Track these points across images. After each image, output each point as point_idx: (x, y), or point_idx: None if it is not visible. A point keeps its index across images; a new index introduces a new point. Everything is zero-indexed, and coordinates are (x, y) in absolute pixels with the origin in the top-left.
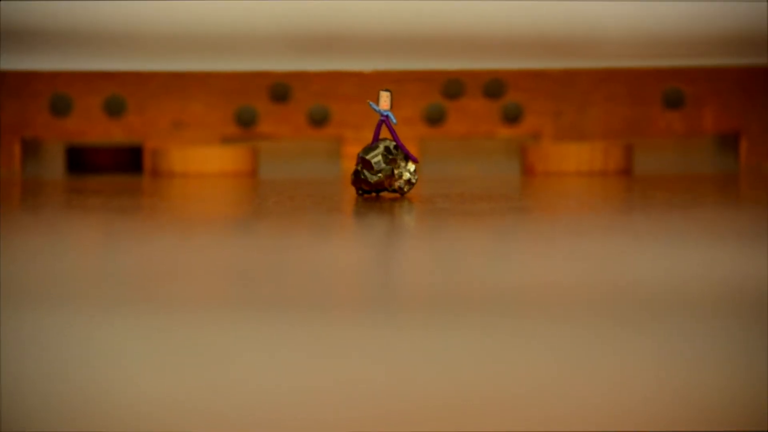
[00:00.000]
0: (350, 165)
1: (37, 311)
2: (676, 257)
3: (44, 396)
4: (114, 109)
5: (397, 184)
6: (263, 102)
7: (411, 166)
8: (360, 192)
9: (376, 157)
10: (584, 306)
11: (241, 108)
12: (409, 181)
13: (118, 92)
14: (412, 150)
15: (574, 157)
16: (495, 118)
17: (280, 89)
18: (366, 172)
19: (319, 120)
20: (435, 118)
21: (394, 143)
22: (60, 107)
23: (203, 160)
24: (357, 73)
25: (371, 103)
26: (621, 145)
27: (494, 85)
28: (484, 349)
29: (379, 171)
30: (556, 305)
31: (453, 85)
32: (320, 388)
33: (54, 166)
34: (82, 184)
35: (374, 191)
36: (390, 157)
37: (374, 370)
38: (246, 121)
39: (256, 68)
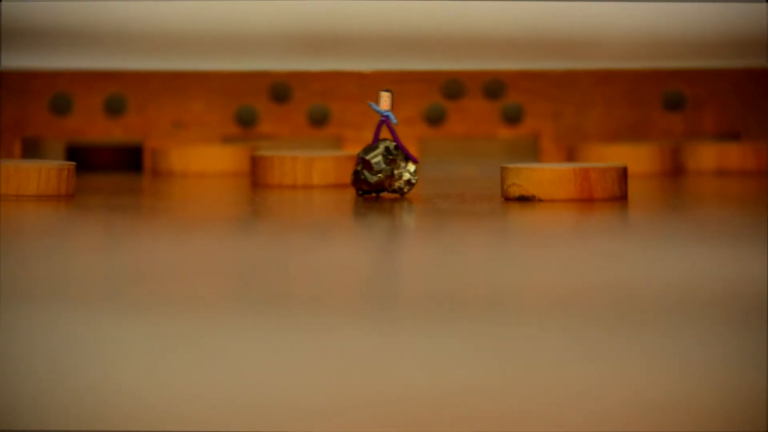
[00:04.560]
0: (350, 165)
1: (38, 311)
2: (676, 257)
3: (44, 395)
4: (114, 108)
5: (397, 185)
6: (263, 102)
7: (411, 167)
8: (360, 192)
9: (376, 158)
10: (586, 307)
11: (241, 108)
12: (409, 182)
13: (118, 91)
14: (412, 150)
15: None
16: (495, 118)
17: (280, 89)
18: (366, 173)
19: (319, 120)
20: (435, 119)
21: (394, 144)
22: (60, 106)
23: (203, 160)
24: (357, 73)
25: (371, 103)
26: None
27: (494, 86)
28: (485, 349)
29: (379, 171)
30: (558, 306)
31: (453, 86)
32: (319, 389)
33: None
34: (83, 182)
35: (374, 191)
36: (390, 157)
37: (374, 371)
38: (246, 120)
39: (256, 68)
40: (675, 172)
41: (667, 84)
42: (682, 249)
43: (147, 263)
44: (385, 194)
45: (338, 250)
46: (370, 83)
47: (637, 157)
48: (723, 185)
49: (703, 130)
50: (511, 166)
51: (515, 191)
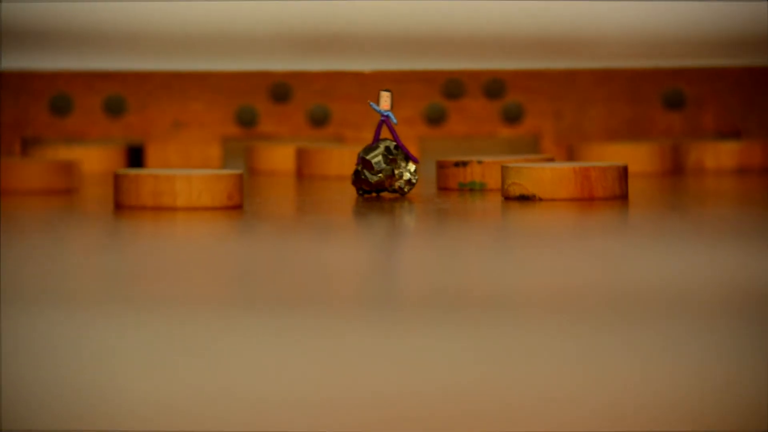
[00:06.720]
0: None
1: (37, 311)
2: (677, 256)
3: (44, 396)
4: (114, 108)
5: (397, 185)
6: (263, 102)
7: (411, 167)
8: (360, 192)
9: (376, 157)
10: (586, 306)
11: (241, 108)
12: (409, 182)
13: (118, 92)
14: (413, 150)
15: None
16: (495, 118)
17: (280, 89)
18: (366, 172)
19: (319, 120)
20: (435, 118)
21: (394, 143)
22: (60, 107)
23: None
24: (357, 73)
25: (372, 103)
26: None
27: (494, 85)
28: (485, 349)
29: (380, 171)
30: (558, 306)
31: (453, 85)
32: (319, 388)
33: None
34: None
35: (374, 191)
36: (390, 157)
37: (374, 371)
38: (246, 120)
39: (256, 68)
40: (675, 170)
41: (667, 83)
42: (683, 248)
43: (146, 262)
44: (385, 194)
45: (338, 249)
46: (370, 83)
47: (638, 156)
48: (723, 184)
49: (703, 129)
50: (511, 165)
51: (516, 190)
